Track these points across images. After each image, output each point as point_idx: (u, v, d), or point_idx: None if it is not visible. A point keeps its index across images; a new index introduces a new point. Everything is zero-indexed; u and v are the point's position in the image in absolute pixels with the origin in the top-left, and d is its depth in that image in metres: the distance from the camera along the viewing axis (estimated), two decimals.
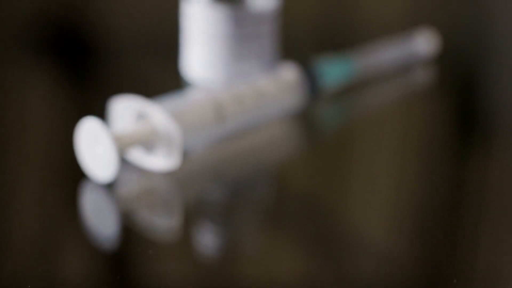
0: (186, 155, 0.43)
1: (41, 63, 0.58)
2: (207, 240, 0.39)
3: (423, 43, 0.56)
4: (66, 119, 0.49)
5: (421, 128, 0.51)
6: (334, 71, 0.49)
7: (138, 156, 0.42)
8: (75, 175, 0.41)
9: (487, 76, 0.60)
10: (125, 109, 0.42)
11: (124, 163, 0.42)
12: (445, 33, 0.59)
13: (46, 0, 0.68)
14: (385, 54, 0.53)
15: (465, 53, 0.64)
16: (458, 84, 0.58)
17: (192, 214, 0.41)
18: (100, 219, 0.40)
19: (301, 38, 0.63)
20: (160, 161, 0.41)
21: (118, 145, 0.39)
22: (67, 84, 0.55)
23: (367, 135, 0.49)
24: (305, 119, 0.49)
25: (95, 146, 0.40)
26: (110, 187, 0.41)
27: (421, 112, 0.53)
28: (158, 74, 0.56)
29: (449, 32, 0.64)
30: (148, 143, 0.41)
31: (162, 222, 0.40)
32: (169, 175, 0.42)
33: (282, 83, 0.46)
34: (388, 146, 0.48)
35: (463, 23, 0.70)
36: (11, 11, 0.64)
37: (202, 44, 0.48)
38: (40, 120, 0.50)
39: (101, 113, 0.44)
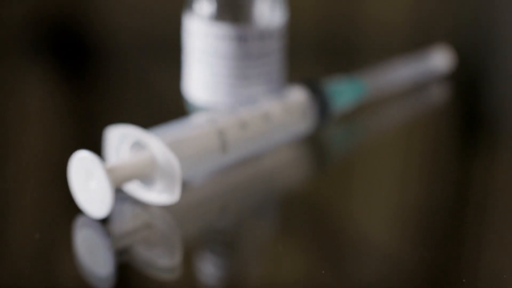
0: (186, 185, 0.41)
1: (39, 66, 0.56)
2: (209, 279, 0.36)
3: (437, 60, 0.53)
4: (63, 139, 0.48)
5: (435, 148, 0.48)
6: (346, 92, 0.46)
7: (135, 188, 0.39)
8: (68, 209, 0.39)
9: (502, 92, 0.57)
10: (121, 138, 0.39)
11: (120, 194, 0.40)
12: (457, 45, 0.57)
13: (45, 1, 0.67)
14: (397, 73, 0.51)
15: (479, 70, 0.61)
16: (473, 101, 0.55)
17: (193, 251, 0.38)
18: (94, 256, 0.37)
19: (307, 56, 0.61)
20: (158, 194, 0.38)
21: (112, 179, 0.37)
22: (65, 94, 0.54)
23: (380, 158, 0.46)
24: (315, 143, 0.46)
25: (88, 180, 0.37)
26: (105, 222, 0.38)
27: (436, 131, 0.51)
28: (160, 90, 0.54)
29: (462, 45, 0.62)
30: (146, 175, 0.38)
31: (161, 259, 0.37)
32: (168, 208, 0.39)
33: (290, 106, 0.44)
34: (401, 168, 0.46)
35: (476, 37, 0.68)
36: (10, 11, 0.63)
37: (203, 64, 0.45)
38: (33, 141, 0.48)
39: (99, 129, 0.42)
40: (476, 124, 0.52)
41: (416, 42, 0.62)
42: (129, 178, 0.38)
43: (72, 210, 0.39)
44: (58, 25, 0.63)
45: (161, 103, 0.53)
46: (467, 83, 0.57)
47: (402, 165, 0.46)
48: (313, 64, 0.61)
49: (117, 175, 0.37)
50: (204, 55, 0.45)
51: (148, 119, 0.48)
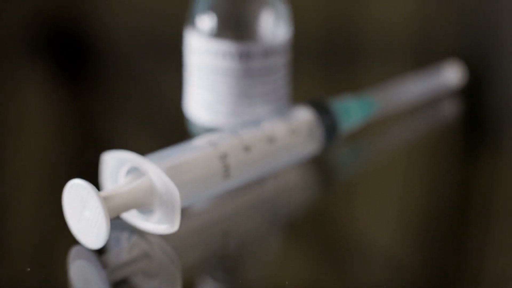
0: (186, 210, 0.39)
1: (38, 68, 0.56)
2: None
3: (448, 75, 0.52)
4: (60, 144, 0.47)
5: (446, 166, 0.47)
6: (354, 112, 0.44)
7: (132, 216, 0.37)
8: (62, 238, 0.37)
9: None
10: (118, 164, 0.37)
11: (117, 221, 0.38)
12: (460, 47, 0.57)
13: (44, 2, 0.66)
14: (406, 90, 0.49)
15: (491, 84, 0.60)
16: (486, 116, 0.53)
17: (194, 281, 0.36)
18: None
19: (310, 59, 0.59)
20: (157, 224, 0.36)
21: (108, 208, 0.35)
22: (64, 97, 0.53)
23: (389, 179, 0.45)
24: (321, 164, 0.44)
25: (83, 209, 0.35)
26: (100, 252, 0.36)
27: (446, 148, 0.49)
28: (160, 96, 0.53)
29: (465, 46, 0.62)
30: (143, 204, 0.36)
31: None
32: (167, 236, 0.37)
33: (296, 127, 0.42)
34: (411, 189, 0.44)
35: (478, 37, 0.67)
36: (9, 12, 0.62)
37: (204, 82, 0.43)
38: (30, 145, 0.47)
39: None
40: (486, 139, 0.51)
41: (418, 44, 0.62)
42: (126, 207, 0.36)
43: (66, 239, 0.37)
44: (57, 27, 0.62)
45: (161, 114, 0.51)
46: (476, 96, 0.56)
47: (412, 185, 0.44)
48: (316, 69, 0.60)
49: (113, 204, 0.35)
50: (206, 73, 0.43)
51: (147, 128, 0.48)
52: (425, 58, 0.62)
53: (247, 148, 0.39)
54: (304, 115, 0.42)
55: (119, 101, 0.54)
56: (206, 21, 0.43)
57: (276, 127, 0.41)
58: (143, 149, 0.46)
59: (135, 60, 0.59)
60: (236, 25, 0.43)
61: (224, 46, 0.42)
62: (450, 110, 0.52)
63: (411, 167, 0.46)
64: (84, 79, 0.56)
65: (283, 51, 0.44)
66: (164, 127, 0.50)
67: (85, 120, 0.51)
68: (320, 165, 0.44)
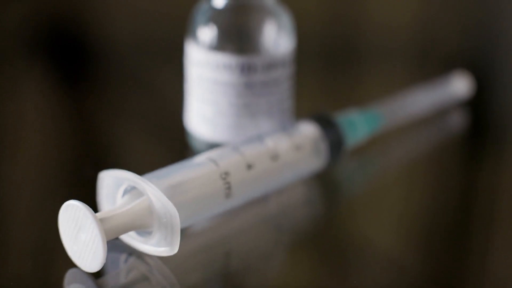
0: (186, 231, 0.37)
1: (37, 70, 0.55)
2: None
3: (456, 86, 0.50)
4: (59, 148, 0.47)
5: (455, 180, 0.45)
6: (360, 126, 0.43)
7: (130, 238, 0.36)
8: (58, 261, 0.36)
9: None
10: (115, 183, 0.36)
11: (114, 243, 0.36)
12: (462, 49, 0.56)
13: (44, 3, 0.65)
14: (414, 102, 0.47)
15: (494, 89, 0.59)
16: (495, 128, 0.52)
17: None
18: None
19: (313, 62, 0.58)
20: (156, 246, 0.35)
21: (105, 230, 0.33)
22: (63, 99, 0.53)
23: (396, 196, 0.43)
24: (325, 180, 0.43)
25: (79, 231, 0.34)
26: (97, 274, 0.35)
27: (456, 161, 0.47)
28: (161, 103, 0.52)
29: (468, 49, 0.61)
30: (142, 225, 0.35)
31: None
32: (167, 257, 0.36)
33: (301, 143, 0.40)
34: (418, 204, 0.42)
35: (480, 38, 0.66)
36: (8, 14, 0.62)
37: (205, 96, 0.42)
38: (27, 150, 0.46)
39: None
40: (493, 149, 0.49)
41: (422, 47, 0.62)
42: (124, 229, 0.34)
43: (62, 262, 0.35)
44: (57, 29, 0.62)
45: (162, 125, 0.50)
46: (487, 109, 0.54)
47: (419, 201, 0.43)
48: (318, 73, 0.59)
49: (110, 226, 0.34)
50: (206, 86, 0.42)
51: (148, 138, 0.47)
52: (428, 61, 0.62)
53: (249, 166, 0.38)
54: (308, 130, 0.41)
55: (118, 106, 0.53)
56: (206, 33, 0.41)
57: (280, 143, 0.39)
58: (143, 162, 0.46)
59: (135, 64, 0.58)
60: (237, 37, 0.41)
61: (225, 58, 0.41)
62: (457, 121, 0.51)
63: (417, 182, 0.45)
64: (83, 83, 0.56)
65: (287, 63, 0.42)
66: (164, 139, 0.49)
67: (84, 126, 0.50)
68: (324, 181, 0.43)
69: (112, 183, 0.36)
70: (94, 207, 0.36)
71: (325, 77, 0.60)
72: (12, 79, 0.54)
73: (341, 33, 0.66)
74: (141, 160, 0.46)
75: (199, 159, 0.37)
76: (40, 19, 0.63)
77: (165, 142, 0.48)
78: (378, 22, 0.66)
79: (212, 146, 0.43)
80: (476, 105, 0.52)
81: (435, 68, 0.61)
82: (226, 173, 0.37)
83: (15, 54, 0.58)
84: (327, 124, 0.41)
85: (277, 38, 0.42)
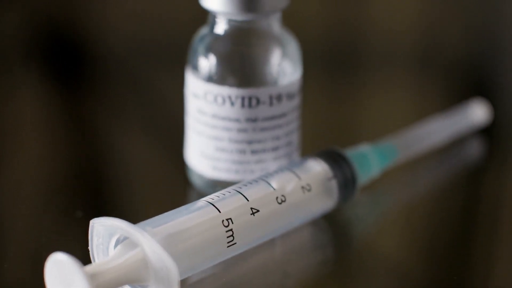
0: (186, 281, 0.34)
1: (34, 75, 0.55)
2: None
3: (473, 115, 0.47)
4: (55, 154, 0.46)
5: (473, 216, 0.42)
6: (374, 162, 0.40)
7: None
8: None
9: None
10: (107, 233, 0.33)
11: None
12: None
13: (43, 7, 0.64)
14: (430, 133, 0.44)
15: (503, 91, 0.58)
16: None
17: None
18: None
19: (316, 81, 0.56)
20: None
21: (96, 287, 0.30)
22: (61, 104, 0.52)
23: (412, 233, 0.40)
24: (335, 219, 0.40)
25: (68, 287, 0.31)
26: None
27: (471, 196, 0.44)
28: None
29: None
30: (136, 280, 0.32)
31: None
32: None
33: (309, 183, 0.37)
34: (437, 247, 0.40)
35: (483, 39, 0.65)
36: (5, 18, 0.61)
37: (205, 132, 0.39)
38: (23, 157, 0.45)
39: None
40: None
41: (424, 51, 0.61)
42: (116, 283, 0.31)
43: None
44: (55, 34, 0.61)
45: (161, 160, 0.48)
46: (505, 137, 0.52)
47: (437, 244, 0.40)
48: (320, 77, 0.57)
49: (101, 281, 0.31)
50: (206, 121, 0.39)
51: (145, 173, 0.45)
52: (431, 66, 0.60)
53: (254, 210, 0.35)
54: (317, 168, 0.38)
55: (117, 111, 0.53)
56: (205, 63, 0.38)
57: (286, 184, 0.36)
58: (138, 198, 0.44)
59: (134, 68, 0.57)
60: (239, 68, 0.38)
61: (226, 91, 0.38)
62: (474, 150, 0.48)
63: (435, 220, 0.42)
64: (82, 88, 0.55)
65: (293, 94, 0.39)
66: (163, 174, 0.46)
67: (82, 132, 0.50)
68: (333, 219, 0.40)
69: (104, 232, 0.33)
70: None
71: (326, 82, 0.58)
72: (9, 84, 0.53)
73: (343, 38, 0.64)
74: (138, 174, 0.45)
75: (198, 203, 0.34)
76: (39, 23, 0.62)
77: (163, 176, 0.46)
78: (380, 27, 0.65)
79: (213, 183, 0.40)
80: (492, 131, 0.49)
81: (438, 72, 0.60)
82: (229, 219, 0.34)
83: (13, 58, 0.57)
84: (337, 161, 0.38)
85: (283, 68, 0.38)
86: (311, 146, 0.44)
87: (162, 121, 0.51)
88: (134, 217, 0.38)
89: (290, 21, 0.42)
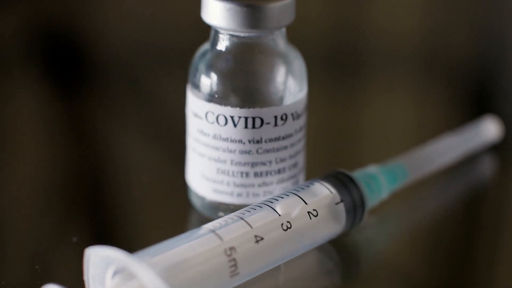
0: None
1: (32, 79, 0.55)
2: None
3: (485, 132, 0.46)
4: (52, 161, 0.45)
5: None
6: (384, 184, 0.38)
7: None
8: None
9: None
10: (104, 264, 0.31)
11: None
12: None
13: (41, 11, 0.64)
14: (441, 152, 0.43)
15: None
16: None
17: None
18: None
19: (317, 84, 0.55)
20: None
21: None
22: (59, 109, 0.52)
23: (424, 257, 0.39)
24: (342, 243, 0.38)
25: None
26: None
27: (485, 216, 0.43)
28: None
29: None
30: None
31: None
32: None
33: (316, 208, 0.35)
34: (450, 272, 0.38)
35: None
36: (3, 21, 0.61)
37: (207, 153, 0.37)
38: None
39: None
40: None
41: (428, 53, 0.60)
42: None
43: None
44: (54, 37, 0.60)
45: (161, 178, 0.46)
46: None
47: (450, 270, 0.38)
48: (321, 80, 0.56)
49: None
50: (207, 142, 0.37)
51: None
52: (435, 68, 0.60)
53: (258, 238, 0.33)
54: (324, 192, 0.36)
55: (117, 115, 0.52)
56: (206, 81, 0.37)
57: (292, 209, 0.34)
58: (135, 220, 0.42)
59: (135, 72, 0.57)
60: (242, 86, 0.36)
61: (228, 111, 0.36)
62: (487, 168, 0.46)
63: (445, 244, 0.40)
64: (81, 91, 0.54)
65: (300, 114, 0.37)
66: (163, 184, 0.44)
67: (80, 136, 0.50)
68: (340, 244, 0.38)
69: (101, 262, 0.31)
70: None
71: (328, 84, 0.57)
72: (9, 86, 0.53)
73: (345, 39, 0.63)
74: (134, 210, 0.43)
75: (199, 231, 0.33)
76: (38, 25, 0.61)
77: (163, 195, 0.44)
78: (383, 29, 0.64)
79: (214, 206, 0.38)
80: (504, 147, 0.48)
81: (442, 75, 0.59)
82: (232, 248, 0.32)
83: (13, 60, 0.57)
84: (345, 185, 0.36)
85: (288, 86, 0.37)
86: (312, 147, 0.42)
87: (163, 125, 0.50)
88: (132, 236, 0.38)
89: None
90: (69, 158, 0.47)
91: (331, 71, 0.59)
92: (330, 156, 0.48)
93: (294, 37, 0.39)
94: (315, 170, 0.40)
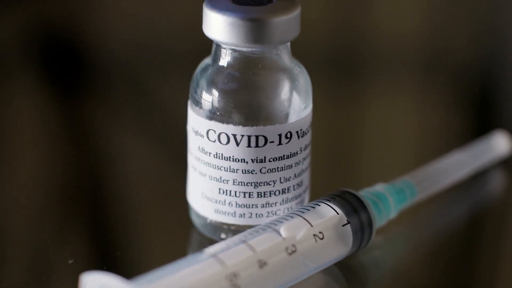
0: None
1: (31, 82, 0.55)
2: None
3: (495, 148, 0.44)
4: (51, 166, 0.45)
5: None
6: (392, 204, 0.37)
7: None
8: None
9: None
10: None
11: None
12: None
13: (40, 12, 0.63)
14: (450, 169, 0.41)
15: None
16: None
17: None
18: None
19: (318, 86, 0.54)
20: None
21: None
22: (57, 112, 0.52)
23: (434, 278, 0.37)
24: (349, 264, 0.37)
25: None
26: None
27: (498, 234, 0.42)
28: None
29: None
30: None
31: None
32: None
33: (322, 229, 0.34)
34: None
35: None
36: (2, 23, 0.60)
37: (207, 173, 0.36)
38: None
39: None
40: None
41: (430, 55, 0.60)
42: None
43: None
44: (53, 37, 0.60)
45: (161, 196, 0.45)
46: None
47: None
48: (322, 81, 0.55)
49: None
50: (208, 160, 0.36)
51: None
52: (437, 70, 0.59)
53: (261, 263, 0.32)
54: (331, 214, 0.34)
55: (116, 117, 0.52)
56: (207, 98, 0.35)
57: (297, 232, 0.33)
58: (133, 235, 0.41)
59: (135, 73, 0.56)
60: (245, 104, 0.35)
61: (230, 129, 0.35)
62: (497, 184, 0.45)
63: (456, 264, 0.39)
64: (80, 93, 0.54)
65: (305, 131, 0.36)
66: (163, 210, 0.43)
67: (80, 138, 0.50)
68: (346, 265, 0.37)
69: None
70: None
71: (330, 86, 0.57)
72: (8, 88, 0.53)
73: (346, 41, 0.62)
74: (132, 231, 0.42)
75: (200, 255, 0.31)
76: (38, 26, 0.61)
77: (163, 210, 0.43)
78: (385, 31, 0.63)
79: (215, 227, 0.37)
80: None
81: (444, 76, 0.58)
82: (234, 275, 0.31)
83: (12, 62, 0.57)
84: (352, 206, 0.35)
85: (293, 103, 0.35)
86: (314, 151, 0.40)
87: (163, 126, 0.50)
88: (130, 251, 0.37)
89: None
90: (69, 160, 0.46)
91: (333, 73, 0.58)
92: (332, 158, 0.47)
93: (295, 39, 0.38)
94: (317, 175, 0.40)
